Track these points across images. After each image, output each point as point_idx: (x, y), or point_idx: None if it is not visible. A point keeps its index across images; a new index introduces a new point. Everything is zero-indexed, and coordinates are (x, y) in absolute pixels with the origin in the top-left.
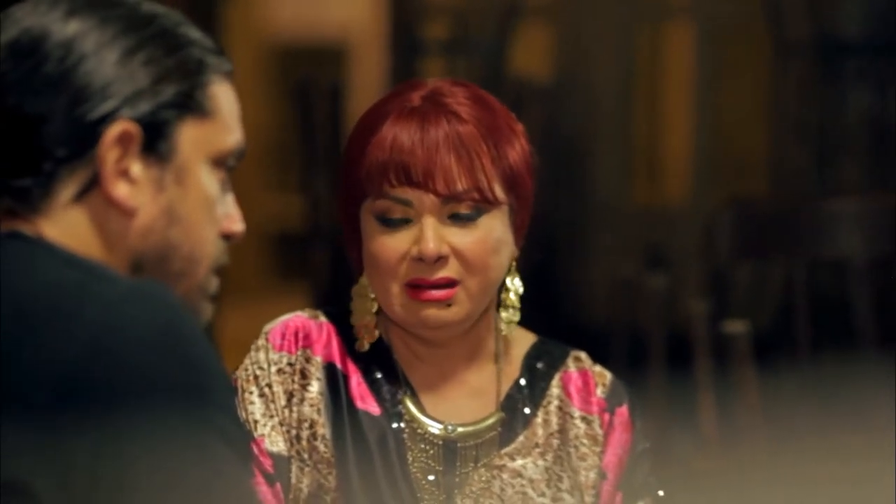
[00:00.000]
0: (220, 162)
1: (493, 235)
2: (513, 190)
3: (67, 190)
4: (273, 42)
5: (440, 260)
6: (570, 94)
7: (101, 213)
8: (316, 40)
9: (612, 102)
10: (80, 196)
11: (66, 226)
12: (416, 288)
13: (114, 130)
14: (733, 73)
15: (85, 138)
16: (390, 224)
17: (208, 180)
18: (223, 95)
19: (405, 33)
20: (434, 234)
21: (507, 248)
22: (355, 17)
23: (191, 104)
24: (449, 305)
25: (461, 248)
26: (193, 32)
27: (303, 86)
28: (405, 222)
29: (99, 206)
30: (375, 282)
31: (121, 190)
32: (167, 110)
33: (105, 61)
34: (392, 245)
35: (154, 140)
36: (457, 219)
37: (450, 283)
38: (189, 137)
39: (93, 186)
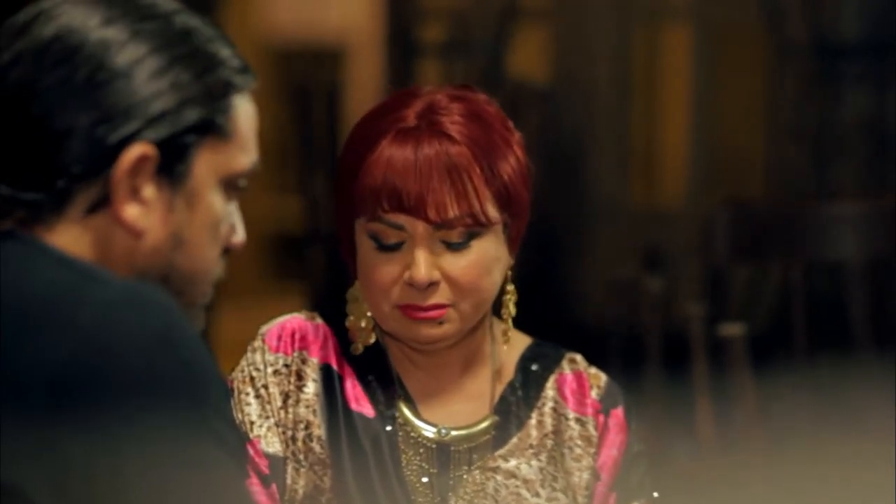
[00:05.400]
0: (231, 182)
1: (485, 258)
2: (508, 208)
3: (77, 207)
4: (271, 44)
5: (432, 286)
6: (568, 95)
7: (108, 231)
8: (314, 42)
9: (610, 104)
10: (89, 213)
11: (69, 240)
12: (408, 307)
13: (132, 153)
14: (730, 75)
15: (103, 158)
16: (384, 247)
17: (217, 201)
18: (244, 115)
19: (402, 35)
20: (425, 262)
21: (501, 264)
22: (353, 19)
23: (212, 128)
24: (441, 323)
25: (453, 274)
26: (224, 49)
27: (300, 88)
28: (398, 245)
29: (106, 225)
30: (369, 298)
31: (131, 211)
32: (188, 135)
33: (134, 80)
34: (385, 268)
35: (170, 163)
36: (449, 245)
37: (441, 306)
38: (205, 160)
39: (102, 205)
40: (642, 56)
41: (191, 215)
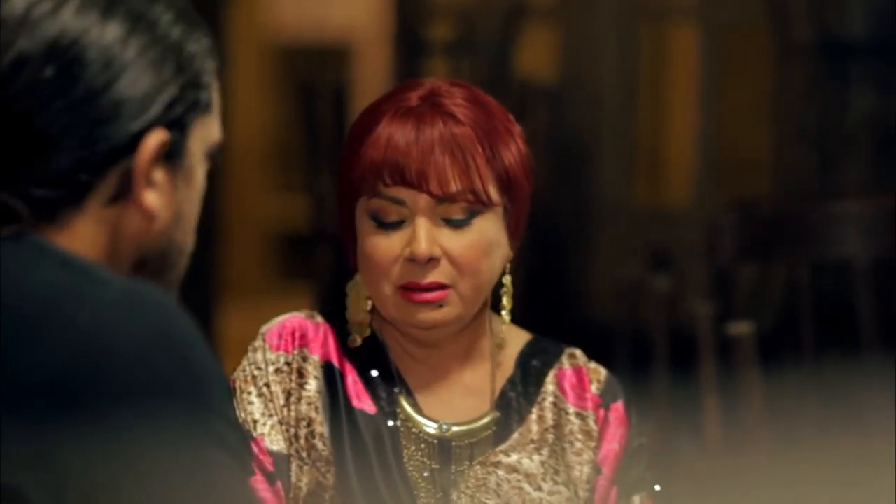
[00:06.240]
0: (210, 154)
1: (485, 238)
2: (508, 192)
3: (95, 200)
4: (277, 43)
5: (432, 261)
6: (575, 95)
7: (120, 219)
8: (320, 41)
9: (617, 103)
10: (109, 204)
11: (85, 233)
12: (408, 289)
13: (152, 141)
14: (737, 75)
15: (122, 149)
16: (384, 225)
17: (203, 173)
18: (215, 87)
19: (409, 34)
20: (426, 235)
21: (501, 250)
22: (359, 17)
23: (202, 106)
24: (441, 306)
25: (453, 251)
26: (201, 29)
27: (307, 86)
28: (399, 223)
29: (118, 213)
30: (369, 281)
31: (150, 197)
32: (189, 115)
33: (143, 71)
34: (385, 245)
35: (175, 145)
36: (450, 222)
37: (441, 287)
38: (196, 136)
39: (122, 195)
40: (649, 56)
41: (189, 192)
